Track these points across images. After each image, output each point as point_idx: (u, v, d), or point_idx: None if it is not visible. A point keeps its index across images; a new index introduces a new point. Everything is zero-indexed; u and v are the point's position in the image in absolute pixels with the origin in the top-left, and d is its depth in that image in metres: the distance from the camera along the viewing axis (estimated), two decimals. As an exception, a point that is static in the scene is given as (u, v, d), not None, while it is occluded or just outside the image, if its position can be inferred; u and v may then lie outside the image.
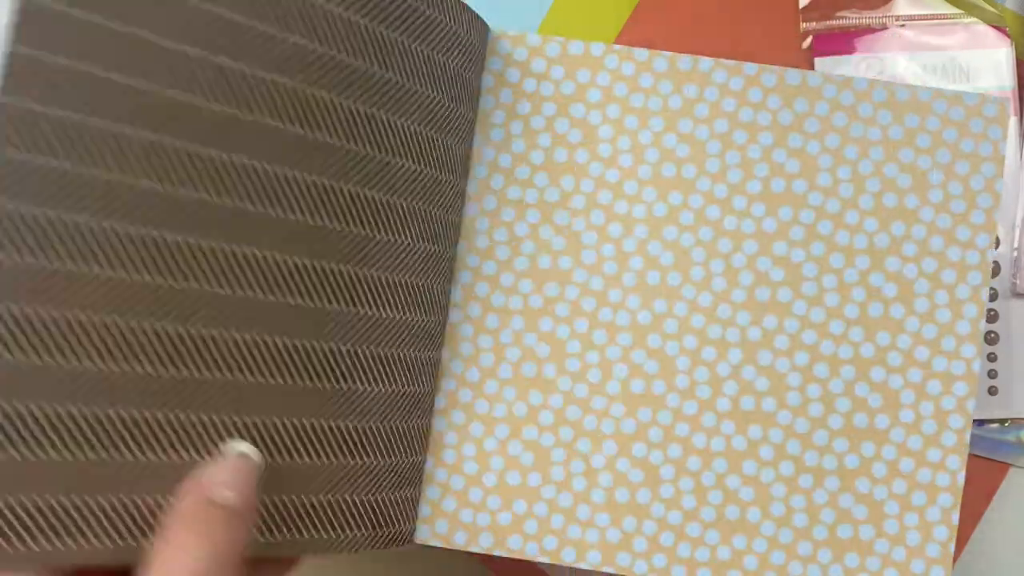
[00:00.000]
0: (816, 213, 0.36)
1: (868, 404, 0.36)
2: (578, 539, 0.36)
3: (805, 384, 0.36)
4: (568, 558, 0.36)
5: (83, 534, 0.29)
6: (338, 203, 0.33)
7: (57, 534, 0.29)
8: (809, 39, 0.46)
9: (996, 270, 0.46)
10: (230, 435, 0.32)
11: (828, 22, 0.46)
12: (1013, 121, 0.47)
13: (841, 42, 0.46)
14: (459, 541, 0.37)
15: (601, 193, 0.37)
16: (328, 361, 0.34)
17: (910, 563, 0.35)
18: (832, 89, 0.37)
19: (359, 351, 0.35)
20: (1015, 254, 0.46)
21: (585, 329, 0.37)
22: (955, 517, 0.36)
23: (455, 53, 0.36)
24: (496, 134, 0.37)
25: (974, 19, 0.47)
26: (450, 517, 0.37)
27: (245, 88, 0.32)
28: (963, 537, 0.46)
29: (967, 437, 0.36)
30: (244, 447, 0.31)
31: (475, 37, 0.37)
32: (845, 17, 0.46)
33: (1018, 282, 0.46)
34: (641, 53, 0.37)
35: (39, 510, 0.29)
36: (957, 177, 0.36)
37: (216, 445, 0.32)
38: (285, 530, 0.33)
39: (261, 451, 0.33)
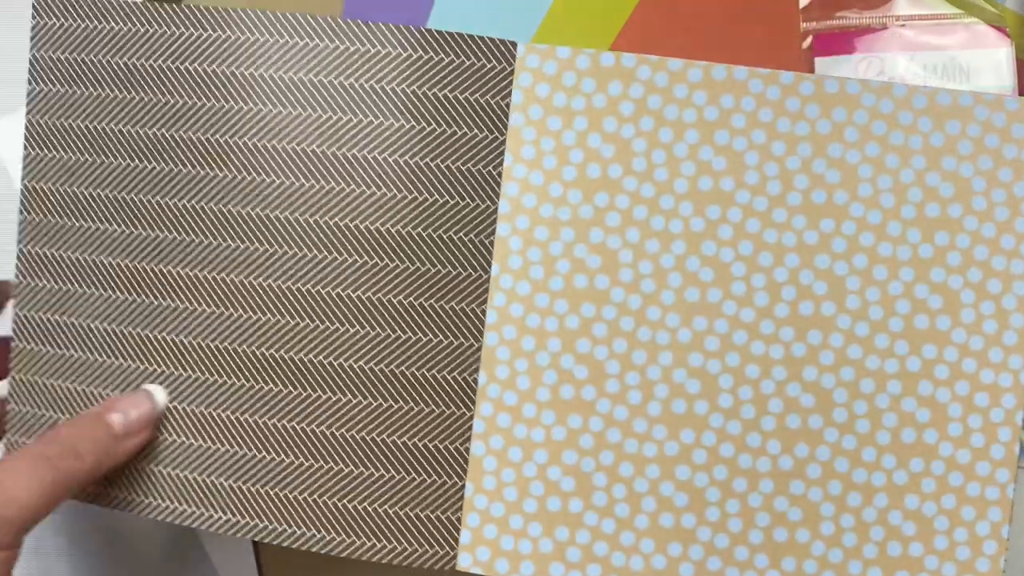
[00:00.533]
0: (858, 224, 0.35)
1: (916, 419, 0.35)
2: (622, 567, 0.35)
3: (852, 400, 0.35)
4: None
5: None
6: (387, 242, 0.36)
7: None
8: (809, 39, 0.45)
9: None
10: (291, 437, 0.37)
11: (828, 22, 0.45)
12: None
13: (841, 42, 0.45)
14: (500, 569, 0.36)
15: (636, 209, 0.36)
16: (371, 379, 0.36)
17: None
18: (871, 97, 0.35)
19: (397, 372, 0.36)
20: None
21: (624, 349, 0.36)
22: (1005, 531, 0.35)
23: (478, 87, 0.36)
24: (527, 151, 0.36)
25: (974, 19, 0.46)
26: (491, 544, 0.36)
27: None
28: None
29: (1016, 449, 0.35)
30: (153, 388, 0.36)
31: (501, 61, 0.36)
32: (845, 17, 0.45)
33: None
34: (675, 63, 0.36)
35: None
36: (1000, 184, 0.35)
37: (280, 445, 0.37)
38: (334, 531, 0.36)
39: (319, 457, 0.36)
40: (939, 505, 0.35)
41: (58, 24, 0.38)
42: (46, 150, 0.38)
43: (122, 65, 0.37)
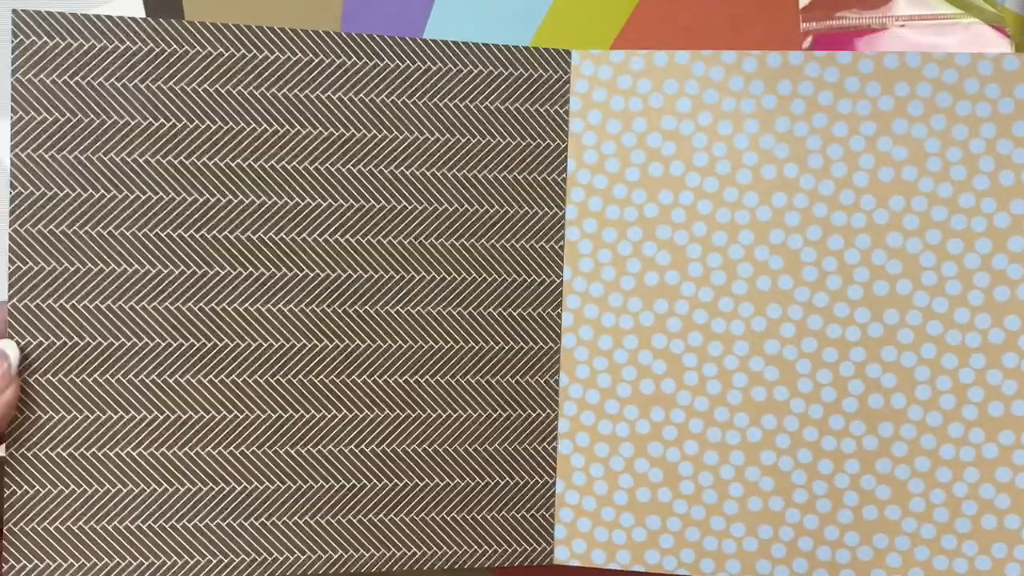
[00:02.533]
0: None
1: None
2: (715, 550, 0.36)
3: (934, 377, 0.35)
4: (707, 568, 0.37)
5: None
6: (458, 256, 0.37)
7: None
8: (809, 39, 0.44)
9: None
10: (382, 461, 0.38)
11: (828, 22, 0.45)
12: None
13: (841, 42, 0.44)
14: (598, 559, 0.37)
15: (701, 204, 0.36)
16: (458, 392, 0.38)
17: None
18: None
19: (484, 382, 0.38)
20: None
21: (700, 342, 0.37)
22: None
23: (537, 97, 0.37)
24: (589, 156, 0.37)
25: (974, 19, 0.45)
26: (586, 537, 0.37)
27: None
28: None
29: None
30: (5, 343, 0.35)
31: (557, 70, 0.37)
32: (845, 17, 0.45)
33: None
34: (729, 55, 0.36)
35: None
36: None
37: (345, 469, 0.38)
38: (425, 545, 0.38)
39: (415, 476, 0.38)
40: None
41: (40, 43, 0.35)
42: (32, 188, 0.35)
43: (119, 88, 0.35)
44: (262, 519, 0.37)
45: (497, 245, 0.37)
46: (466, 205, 0.37)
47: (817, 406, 0.36)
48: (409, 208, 0.37)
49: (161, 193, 0.36)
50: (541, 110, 0.37)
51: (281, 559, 0.37)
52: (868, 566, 0.36)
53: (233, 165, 0.36)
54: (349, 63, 0.37)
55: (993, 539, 0.35)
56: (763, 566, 0.36)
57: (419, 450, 0.38)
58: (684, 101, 0.36)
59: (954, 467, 0.35)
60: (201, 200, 0.36)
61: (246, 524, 0.37)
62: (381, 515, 0.38)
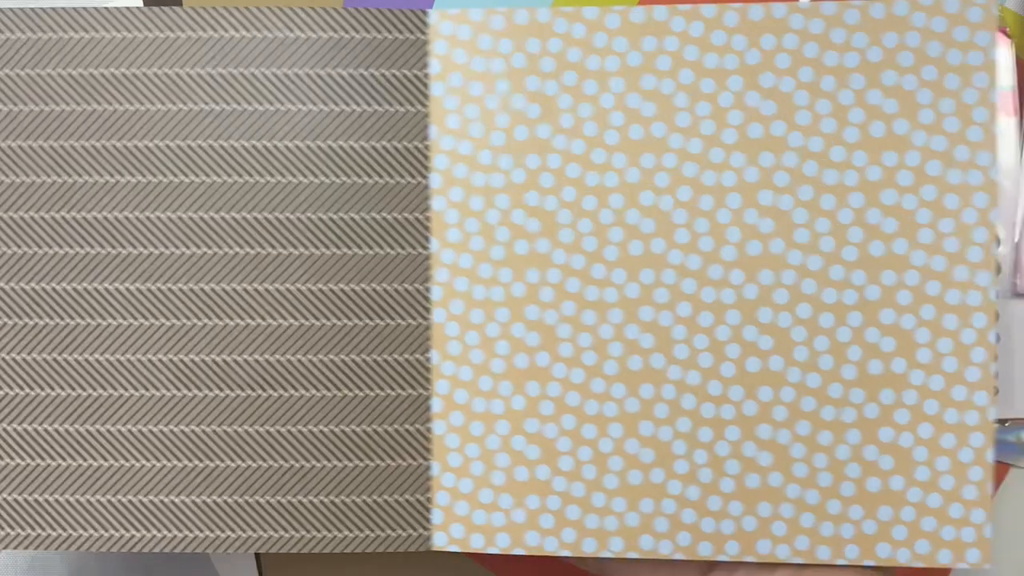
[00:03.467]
0: (800, 154, 0.34)
1: (881, 349, 0.34)
2: (597, 528, 0.35)
3: (811, 337, 0.34)
4: (589, 548, 0.35)
5: None
6: (321, 231, 0.36)
7: None
8: None
9: (996, 270, 0.44)
10: (245, 443, 0.36)
11: None
12: (1013, 121, 0.45)
13: None
14: (476, 544, 0.35)
15: (569, 167, 0.35)
16: (322, 371, 0.36)
17: (947, 508, 0.34)
18: (800, 19, 0.34)
19: (348, 360, 0.36)
20: (1015, 254, 0.45)
21: (573, 312, 0.35)
22: (990, 456, 0.34)
23: (393, 60, 0.35)
24: (452, 121, 0.35)
25: None
26: (464, 521, 0.36)
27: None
28: None
29: (993, 370, 0.34)
30: None
31: (414, 31, 0.35)
32: None
33: (1018, 282, 0.45)
34: (590, 11, 0.35)
35: None
36: (948, 93, 0.34)
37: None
38: (300, 527, 0.36)
39: (280, 457, 0.36)
40: (916, 435, 0.34)
41: None
42: None
43: (13, 76, 0.36)
44: (129, 496, 0.36)
45: (358, 217, 0.35)
46: (323, 177, 0.35)
47: (695, 372, 0.34)
48: (264, 182, 0.35)
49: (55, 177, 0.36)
50: (399, 74, 0.35)
51: (149, 536, 0.36)
52: (753, 536, 0.34)
53: (45, 146, 0.36)
54: (196, 37, 0.35)
55: (878, 502, 0.34)
56: (646, 541, 0.35)
57: (285, 431, 0.36)
58: (548, 61, 0.35)
59: (835, 429, 0.34)
60: (50, 181, 0.35)
61: (114, 501, 0.36)
62: (247, 496, 0.36)
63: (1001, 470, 0.45)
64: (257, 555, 0.47)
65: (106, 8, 0.36)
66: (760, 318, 0.34)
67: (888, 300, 0.34)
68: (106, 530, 0.36)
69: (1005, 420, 0.45)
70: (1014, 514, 0.45)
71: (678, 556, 0.35)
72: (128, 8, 0.36)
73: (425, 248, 0.36)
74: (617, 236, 0.35)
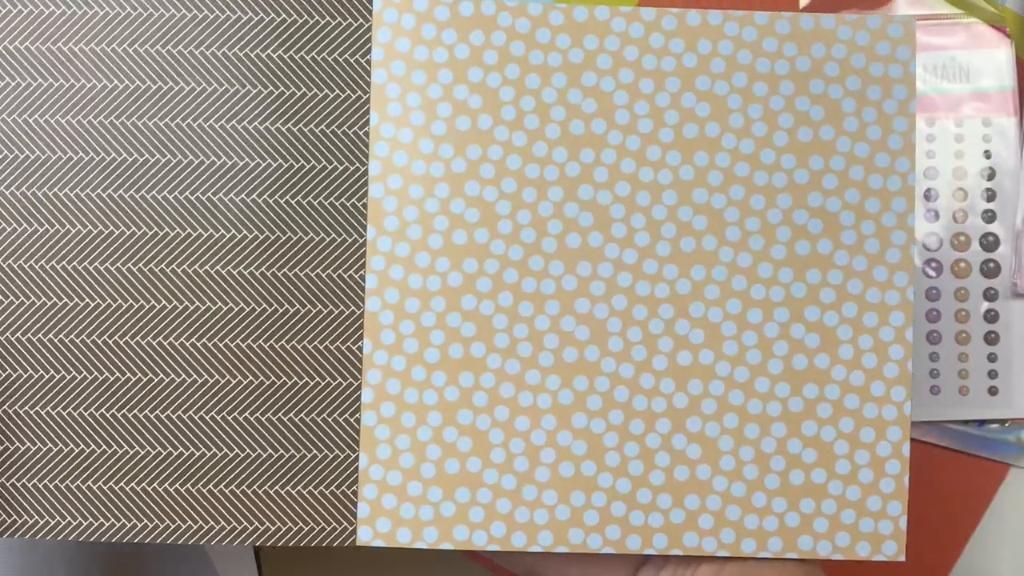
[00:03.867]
0: (732, 155, 0.35)
1: (806, 345, 0.35)
2: (527, 521, 0.35)
3: (740, 332, 0.35)
4: (518, 543, 0.35)
5: None
6: (256, 214, 0.35)
7: None
8: None
9: (996, 270, 0.46)
10: (164, 427, 0.35)
11: None
12: (1013, 121, 0.47)
13: None
14: (403, 539, 0.35)
15: (510, 158, 0.35)
16: (251, 357, 0.35)
17: (866, 501, 0.35)
18: (734, 27, 0.35)
19: (278, 347, 0.35)
20: (1015, 255, 0.46)
21: (510, 303, 0.35)
22: (906, 449, 0.35)
23: (336, 46, 0.35)
24: (393, 109, 0.35)
25: (974, 19, 0.47)
26: (391, 515, 0.35)
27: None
28: (963, 537, 0.46)
29: (909, 367, 0.35)
30: None
31: (358, 17, 0.35)
32: None
33: (1018, 282, 0.46)
34: (535, 7, 0.35)
35: None
36: (870, 103, 0.35)
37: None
38: (222, 519, 0.35)
39: (203, 445, 0.35)
40: (837, 429, 0.35)
41: None
42: None
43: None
44: (45, 482, 0.34)
45: (293, 202, 0.35)
46: (257, 160, 0.35)
47: (628, 365, 0.35)
48: (198, 162, 0.35)
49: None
50: (340, 59, 0.35)
51: (63, 523, 0.34)
52: (680, 529, 0.35)
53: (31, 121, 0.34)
54: (146, 14, 0.34)
55: (800, 495, 0.35)
56: (575, 535, 0.35)
57: (208, 418, 0.35)
58: (491, 53, 0.35)
59: (761, 423, 0.35)
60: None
61: (28, 485, 0.34)
62: (167, 485, 0.35)
63: (1001, 470, 0.46)
64: (256, 556, 0.46)
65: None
66: (692, 312, 0.35)
67: (812, 297, 0.35)
68: (42, 517, 0.34)
69: (1005, 420, 0.46)
70: (1014, 514, 0.46)
71: (607, 550, 0.35)
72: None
73: (361, 235, 0.35)
74: (556, 228, 0.35)
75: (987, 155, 0.47)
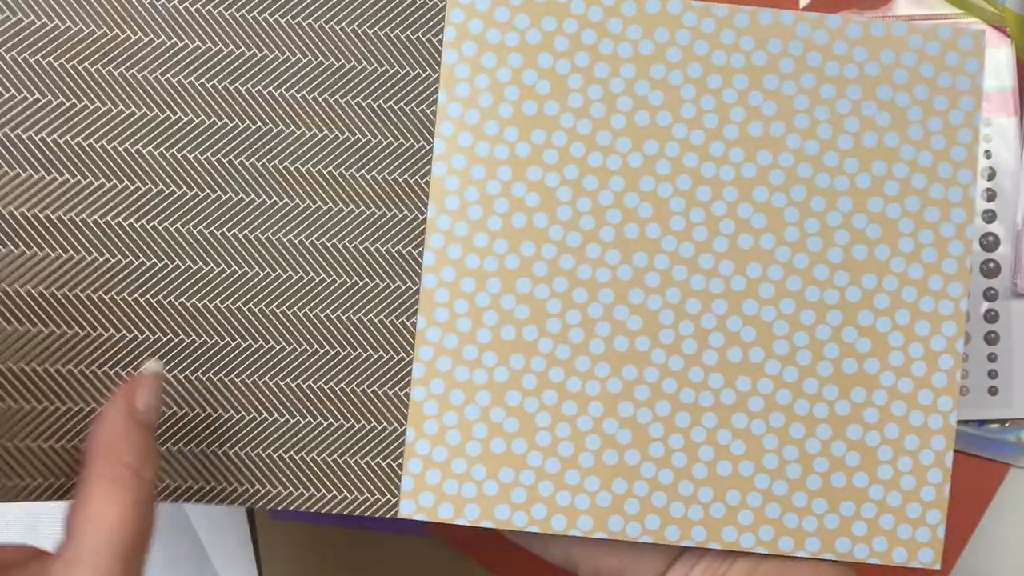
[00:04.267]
0: (795, 156, 0.35)
1: (856, 349, 0.35)
2: (567, 506, 0.35)
3: (792, 332, 0.35)
4: (558, 526, 0.35)
5: None
6: (324, 185, 0.35)
7: None
8: None
9: (996, 270, 0.46)
10: (219, 392, 0.35)
11: None
12: (1013, 121, 0.46)
13: None
14: (445, 514, 0.35)
15: (574, 146, 0.35)
16: (306, 326, 0.36)
17: (906, 508, 0.35)
18: (806, 28, 0.35)
19: (334, 317, 0.36)
20: (1015, 255, 0.46)
21: (565, 288, 0.35)
22: (949, 459, 0.35)
23: (409, 23, 0.35)
24: (462, 89, 0.36)
25: (974, 19, 0.47)
26: (434, 490, 0.35)
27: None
28: (963, 537, 0.46)
29: (957, 377, 0.35)
30: (155, 365, 0.34)
31: None
32: None
33: (1018, 282, 0.46)
34: None
35: None
36: (936, 113, 0.35)
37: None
38: (268, 483, 0.35)
39: (254, 408, 0.36)
40: (882, 435, 0.35)
41: None
42: None
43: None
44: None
45: (357, 175, 0.35)
46: (328, 131, 0.35)
47: (678, 357, 0.35)
48: (268, 129, 0.35)
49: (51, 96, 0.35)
50: (413, 37, 0.35)
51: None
52: (719, 523, 0.35)
53: (106, 73, 0.35)
54: None
55: (841, 497, 0.35)
56: (615, 522, 0.35)
57: (263, 383, 0.35)
58: (562, 40, 0.35)
59: (807, 423, 0.35)
60: (80, 106, 0.35)
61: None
62: (214, 447, 0.35)
63: (1001, 470, 0.46)
64: (257, 556, 0.46)
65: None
66: (745, 310, 0.35)
67: (867, 302, 0.35)
68: (58, 477, 0.35)
69: (1005, 420, 0.46)
70: (1014, 514, 0.46)
71: (645, 539, 0.35)
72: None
73: (423, 212, 0.36)
74: (615, 218, 0.35)
75: (987, 155, 0.47)
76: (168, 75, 0.35)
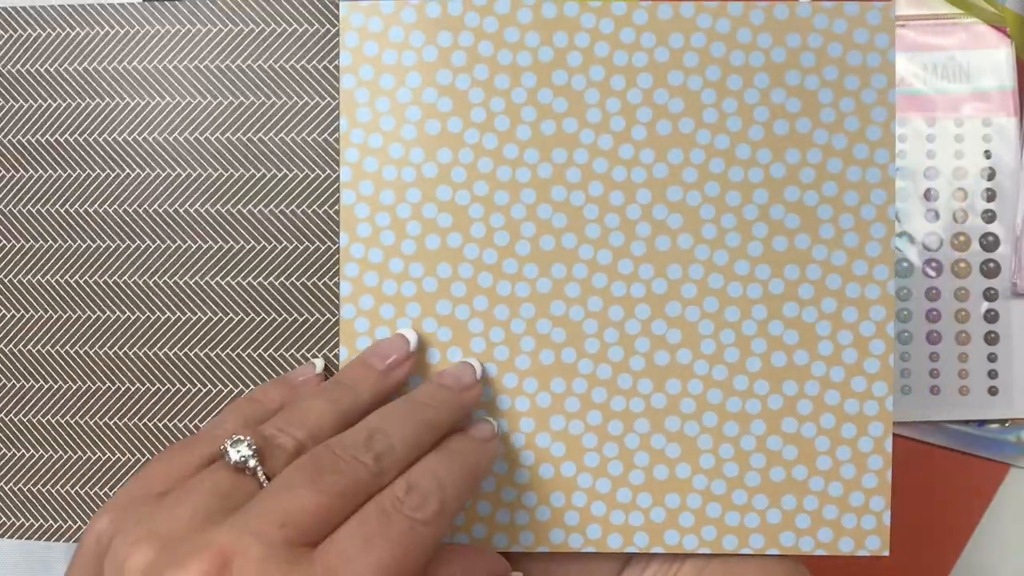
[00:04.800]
0: (706, 152, 0.35)
1: (784, 342, 0.34)
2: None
3: (718, 331, 0.34)
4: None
5: None
6: (227, 224, 0.35)
7: None
8: None
9: (996, 270, 0.46)
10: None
11: None
12: (1013, 121, 0.46)
13: None
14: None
15: (481, 161, 0.35)
16: (227, 364, 0.35)
17: (848, 497, 0.34)
18: (707, 19, 0.35)
19: (255, 356, 0.35)
20: (1015, 255, 0.46)
21: (485, 307, 0.35)
22: (888, 445, 0.34)
23: (304, 53, 0.35)
24: (362, 114, 0.35)
25: (974, 19, 0.47)
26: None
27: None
28: (963, 537, 0.46)
29: (891, 362, 0.34)
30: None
31: (324, 23, 0.35)
32: None
33: (1018, 282, 0.46)
34: (502, 6, 0.35)
35: None
36: (848, 93, 0.35)
37: None
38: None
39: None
40: (818, 425, 0.34)
41: None
42: None
43: None
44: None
45: (266, 211, 0.35)
46: (232, 170, 0.35)
47: (605, 366, 0.34)
48: (175, 175, 0.35)
49: None
50: (308, 66, 0.35)
51: (55, 526, 0.34)
52: (661, 527, 0.34)
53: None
54: (113, 32, 0.35)
55: (782, 491, 0.34)
56: (557, 535, 0.34)
57: (193, 426, 0.35)
58: (459, 54, 0.35)
59: (741, 420, 0.34)
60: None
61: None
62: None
63: (1001, 470, 0.46)
64: None
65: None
66: (668, 312, 0.34)
67: (791, 294, 0.34)
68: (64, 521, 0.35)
69: (1005, 420, 0.46)
70: (1014, 514, 0.45)
71: (588, 549, 0.34)
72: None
73: (334, 242, 0.35)
74: (529, 231, 0.35)
75: (987, 155, 0.47)
76: (81, 133, 0.35)
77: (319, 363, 0.35)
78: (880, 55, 0.35)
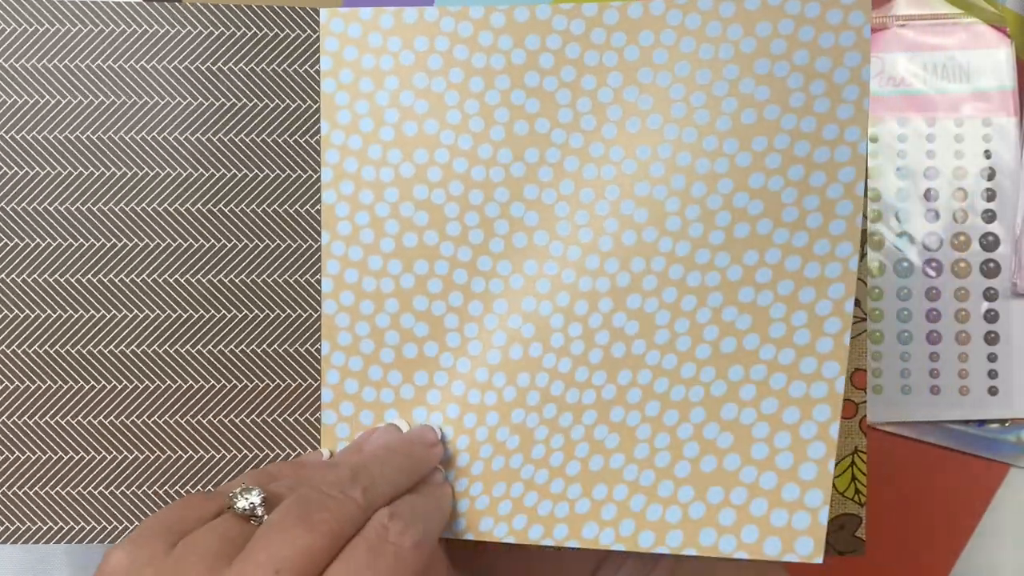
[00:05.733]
0: (674, 146, 0.35)
1: (736, 327, 0.33)
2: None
3: (673, 320, 0.34)
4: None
5: None
6: (208, 223, 0.37)
7: None
8: None
9: (996, 270, 0.46)
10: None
11: None
12: (1013, 121, 0.46)
13: None
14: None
15: (456, 162, 0.36)
16: (211, 360, 0.37)
17: (781, 489, 0.30)
18: (677, 15, 0.35)
19: (238, 351, 0.37)
20: (1015, 255, 0.46)
21: (460, 303, 0.36)
22: (834, 430, 0.31)
23: (285, 57, 0.37)
24: (342, 116, 0.36)
25: (974, 19, 0.47)
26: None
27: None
28: (963, 537, 0.46)
29: (846, 340, 0.31)
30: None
31: (306, 28, 0.36)
32: None
33: (1018, 282, 0.46)
34: (476, 11, 0.36)
35: None
36: (819, 75, 0.34)
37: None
38: None
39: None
40: (759, 411, 0.31)
41: None
42: None
43: None
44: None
45: (249, 210, 0.36)
46: (212, 170, 0.36)
47: (567, 359, 0.35)
48: (152, 174, 0.36)
49: None
50: (290, 70, 0.36)
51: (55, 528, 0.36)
52: (581, 519, 0.33)
53: None
54: (96, 30, 0.36)
55: (709, 482, 0.31)
56: (485, 523, 0.34)
57: (172, 422, 0.36)
58: (435, 58, 0.36)
59: (681, 408, 0.33)
60: None
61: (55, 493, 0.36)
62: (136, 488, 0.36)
63: (1001, 470, 0.45)
64: None
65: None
66: (629, 304, 0.34)
67: (748, 279, 0.33)
68: (44, 523, 0.36)
69: (1005, 420, 0.45)
70: (1014, 514, 0.45)
71: (509, 539, 0.33)
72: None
73: (316, 240, 0.36)
74: (503, 228, 0.36)
75: (987, 155, 0.47)
76: (56, 130, 0.36)
77: (325, 452, 0.37)
78: (855, 33, 0.33)
